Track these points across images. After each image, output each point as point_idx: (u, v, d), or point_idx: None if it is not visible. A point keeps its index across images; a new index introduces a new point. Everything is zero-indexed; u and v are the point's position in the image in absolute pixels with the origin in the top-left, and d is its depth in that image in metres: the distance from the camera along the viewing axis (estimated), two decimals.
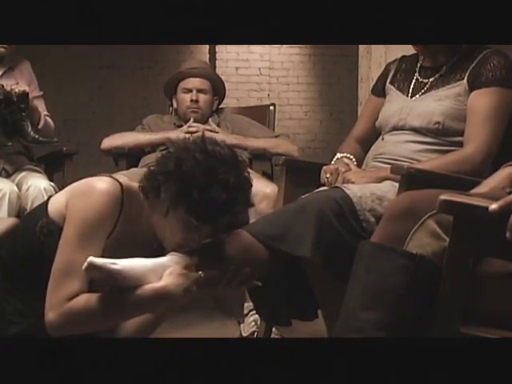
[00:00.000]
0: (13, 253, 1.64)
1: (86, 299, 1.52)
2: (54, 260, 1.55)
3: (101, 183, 1.59)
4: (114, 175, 1.65)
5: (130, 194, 1.62)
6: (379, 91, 2.38)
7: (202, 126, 3.10)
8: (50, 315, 1.51)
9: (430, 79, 2.21)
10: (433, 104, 2.14)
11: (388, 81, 2.34)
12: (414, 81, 2.25)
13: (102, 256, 1.53)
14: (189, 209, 1.49)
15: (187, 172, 1.49)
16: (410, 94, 2.23)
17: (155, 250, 1.64)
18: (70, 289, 1.52)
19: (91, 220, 1.55)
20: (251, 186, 1.57)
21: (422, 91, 2.21)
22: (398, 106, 2.23)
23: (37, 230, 1.61)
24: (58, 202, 1.64)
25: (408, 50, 2.31)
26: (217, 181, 1.48)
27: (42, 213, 1.65)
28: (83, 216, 1.55)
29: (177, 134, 3.04)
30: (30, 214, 1.85)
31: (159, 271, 1.54)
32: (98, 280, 1.51)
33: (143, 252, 1.60)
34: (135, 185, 1.63)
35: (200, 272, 1.56)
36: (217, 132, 3.06)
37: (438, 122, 2.11)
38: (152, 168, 1.57)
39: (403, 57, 2.38)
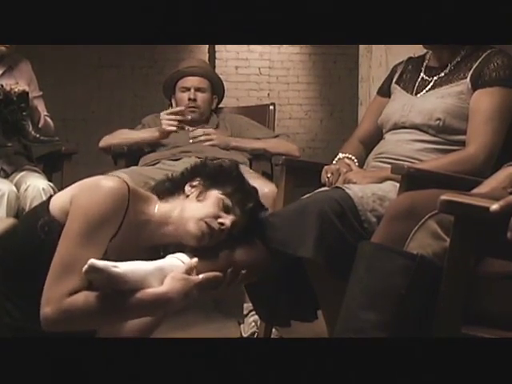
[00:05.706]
0: (10, 253, 1.62)
1: (86, 297, 1.50)
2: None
3: (108, 181, 1.59)
4: (115, 174, 1.65)
5: (136, 197, 1.63)
6: (384, 91, 2.38)
7: (200, 130, 3.09)
8: (47, 309, 1.49)
9: (434, 77, 2.21)
10: (435, 101, 2.14)
11: (394, 81, 2.34)
12: (419, 79, 2.25)
13: (105, 259, 1.52)
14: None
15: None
16: (414, 92, 2.23)
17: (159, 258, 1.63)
18: (71, 285, 1.50)
19: (96, 216, 1.54)
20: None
21: (426, 89, 2.21)
22: (400, 103, 2.23)
23: (38, 228, 1.59)
24: (61, 200, 1.62)
25: (409, 49, 2.31)
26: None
27: (43, 211, 1.63)
28: (88, 211, 1.54)
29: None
30: (30, 213, 1.82)
31: (160, 275, 1.54)
32: (98, 283, 1.50)
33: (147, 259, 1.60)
34: (141, 190, 1.67)
35: (201, 275, 1.56)
36: (212, 139, 3.05)
37: (439, 119, 2.10)
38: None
39: (410, 58, 2.38)
